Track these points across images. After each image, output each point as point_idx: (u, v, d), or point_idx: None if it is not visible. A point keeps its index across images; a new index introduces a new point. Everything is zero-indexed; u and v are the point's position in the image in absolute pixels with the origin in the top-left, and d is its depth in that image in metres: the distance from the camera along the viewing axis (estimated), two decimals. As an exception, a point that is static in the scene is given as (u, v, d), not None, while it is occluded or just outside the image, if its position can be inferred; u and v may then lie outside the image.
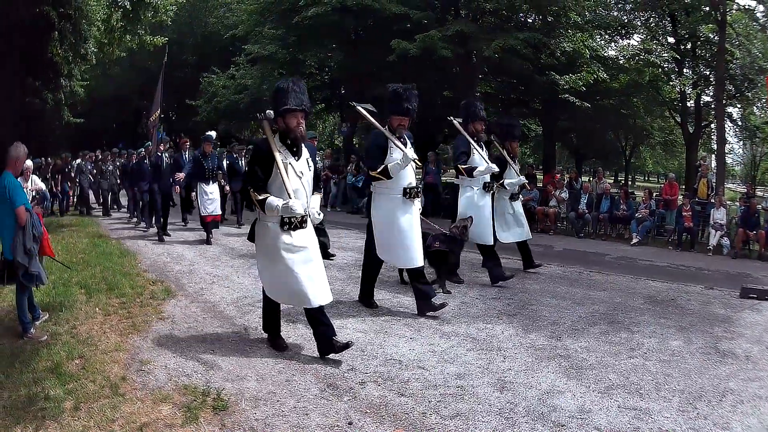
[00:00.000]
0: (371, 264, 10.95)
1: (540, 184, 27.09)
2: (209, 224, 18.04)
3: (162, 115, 22.18)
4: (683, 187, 28.10)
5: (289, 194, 7.79)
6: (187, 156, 20.04)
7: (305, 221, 8.20)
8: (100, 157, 29.56)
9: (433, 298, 10.39)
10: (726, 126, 32.32)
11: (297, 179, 8.13)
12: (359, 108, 10.31)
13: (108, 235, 19.07)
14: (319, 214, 8.41)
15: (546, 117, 36.78)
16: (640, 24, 32.92)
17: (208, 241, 17.61)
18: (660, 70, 31.18)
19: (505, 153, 13.56)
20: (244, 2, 38.83)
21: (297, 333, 9.03)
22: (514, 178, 13.62)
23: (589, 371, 7.68)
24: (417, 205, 10.61)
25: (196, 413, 6.27)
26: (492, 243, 12.82)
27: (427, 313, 10.16)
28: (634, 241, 21.29)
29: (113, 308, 10.20)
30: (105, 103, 52.60)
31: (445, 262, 11.92)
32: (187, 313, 10.06)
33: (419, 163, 10.71)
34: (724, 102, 29.48)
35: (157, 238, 18.33)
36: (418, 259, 10.35)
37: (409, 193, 10.29)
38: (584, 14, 28.89)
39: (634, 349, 8.72)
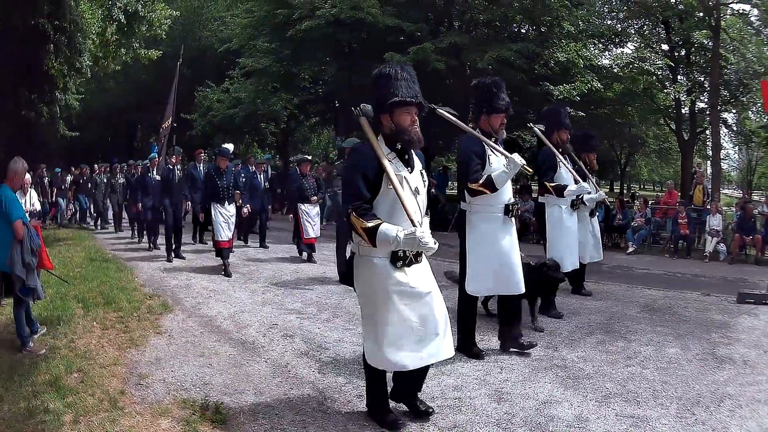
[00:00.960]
0: (466, 305, 8.92)
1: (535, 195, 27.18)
2: (225, 251, 15.41)
3: (175, 124, 20.13)
4: (679, 194, 28.16)
5: (411, 219, 5.82)
6: (202, 168, 19.13)
7: (420, 254, 6.23)
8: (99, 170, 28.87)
9: (521, 339, 8.94)
10: (721, 131, 32.42)
11: (412, 198, 6.14)
12: (441, 111, 8.34)
13: (104, 250, 19.08)
14: (435, 243, 5.88)
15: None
16: (633, 32, 33.04)
17: (226, 273, 15.02)
18: (654, 77, 31.23)
19: (582, 165, 12.23)
20: (237, 16, 39.04)
21: (293, 347, 9.05)
22: (593, 192, 12.16)
23: (586, 381, 7.68)
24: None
25: (195, 427, 6.29)
26: (571, 269, 11.54)
27: (511, 349, 8.97)
28: (630, 249, 21.36)
29: (111, 322, 10.21)
30: (100, 117, 52.59)
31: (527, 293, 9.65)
32: (184, 327, 10.07)
33: (530, 170, 8.55)
34: (719, 108, 29.58)
35: (166, 258, 17.25)
36: (521, 284, 8.65)
37: (510, 211, 8.62)
38: (578, 24, 29.00)
39: (630, 358, 8.73)
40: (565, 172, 11.22)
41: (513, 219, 8.75)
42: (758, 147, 43.49)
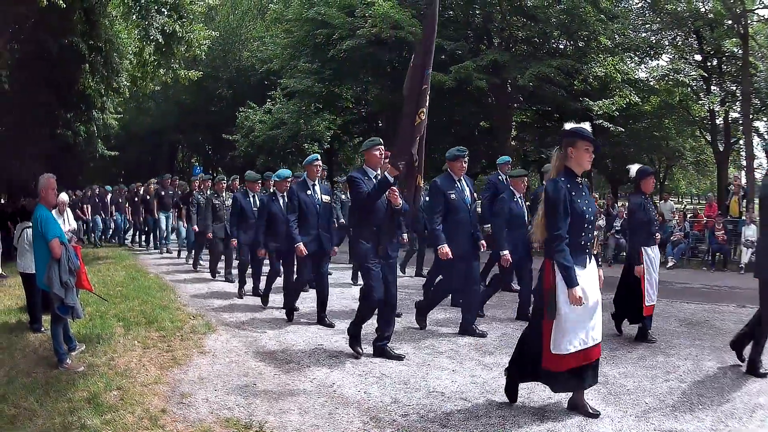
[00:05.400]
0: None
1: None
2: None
3: (424, 111, 10.04)
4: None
5: None
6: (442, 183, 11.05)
7: None
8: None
9: None
10: (754, 140, 32.34)
11: None
12: None
13: (146, 269, 18.98)
14: None
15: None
16: (667, 43, 33.06)
17: None
18: (689, 89, 31.23)
19: None
20: (277, 35, 39.18)
21: (339, 367, 9.05)
22: None
23: (627, 396, 7.69)
24: None
25: (239, 445, 6.29)
26: None
27: None
28: (670, 264, 21.28)
29: (152, 341, 10.22)
30: (140, 137, 53.28)
31: None
32: (228, 347, 10.06)
33: None
34: (751, 116, 29.51)
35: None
36: None
37: None
38: (614, 37, 29.13)
39: (669, 372, 8.74)
40: None
41: None
42: (791, 154, 43.37)
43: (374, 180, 9.41)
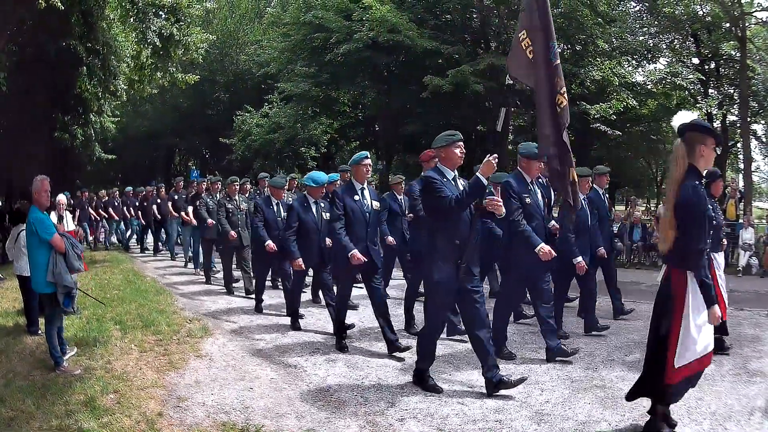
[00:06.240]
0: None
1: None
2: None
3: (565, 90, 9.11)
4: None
5: None
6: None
7: None
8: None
9: None
10: (751, 144, 32.36)
11: None
12: None
13: (143, 272, 18.87)
14: None
15: (578, 147, 36.99)
16: (665, 47, 33.06)
17: None
18: (686, 92, 31.24)
19: None
20: (274, 39, 39.25)
21: (336, 371, 9.03)
22: None
23: (624, 400, 7.46)
24: None
25: (235, 449, 6.27)
26: None
27: None
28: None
29: (149, 345, 10.17)
30: (137, 140, 53.25)
31: None
32: (225, 351, 10.02)
33: None
34: (748, 120, 29.52)
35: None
36: None
37: None
38: (611, 41, 29.16)
39: (667, 377, 8.68)
40: None
41: None
42: (788, 157, 43.38)
43: (453, 182, 7.94)
